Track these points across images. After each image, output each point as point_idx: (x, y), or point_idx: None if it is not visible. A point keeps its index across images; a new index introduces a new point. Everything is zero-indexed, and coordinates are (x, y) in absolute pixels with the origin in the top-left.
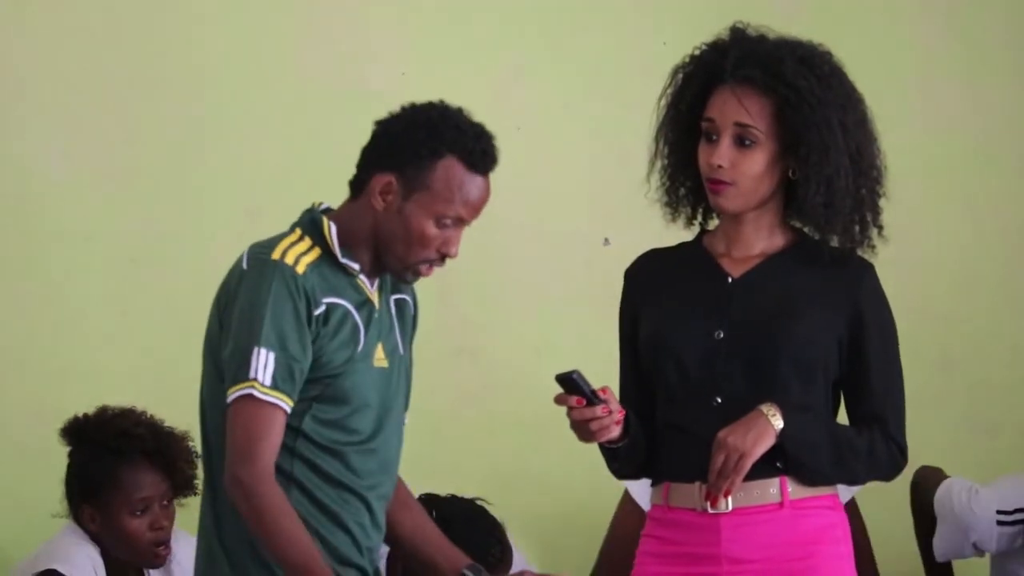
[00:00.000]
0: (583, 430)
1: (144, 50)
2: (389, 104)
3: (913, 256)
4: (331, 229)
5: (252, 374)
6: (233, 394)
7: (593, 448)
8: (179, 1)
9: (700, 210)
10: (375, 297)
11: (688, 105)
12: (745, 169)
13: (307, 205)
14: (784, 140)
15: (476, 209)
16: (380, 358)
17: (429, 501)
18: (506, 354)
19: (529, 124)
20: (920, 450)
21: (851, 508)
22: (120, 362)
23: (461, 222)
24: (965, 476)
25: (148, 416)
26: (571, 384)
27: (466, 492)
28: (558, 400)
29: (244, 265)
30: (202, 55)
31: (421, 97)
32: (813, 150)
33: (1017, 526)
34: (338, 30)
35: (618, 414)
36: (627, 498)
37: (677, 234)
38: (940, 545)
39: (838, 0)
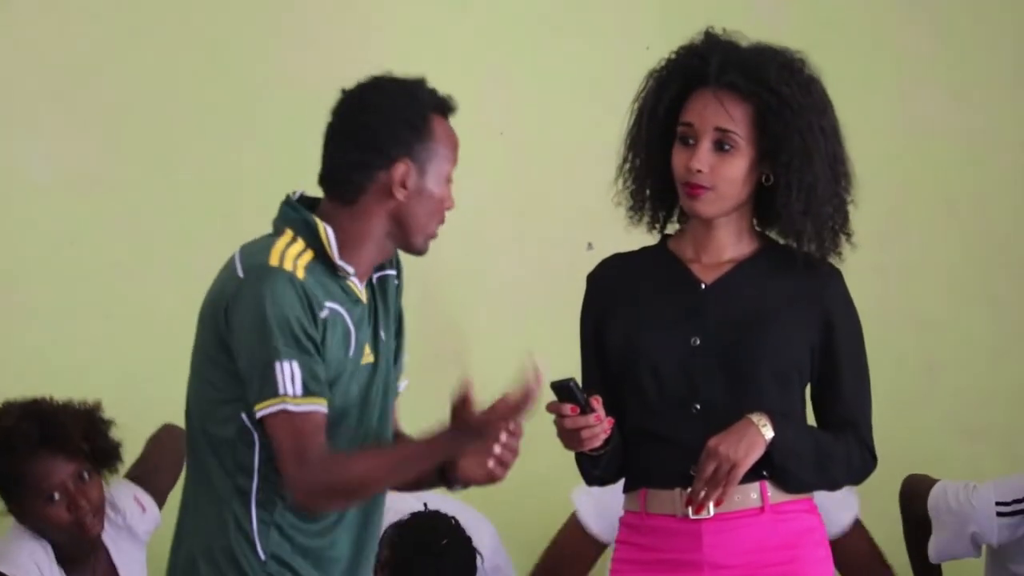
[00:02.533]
0: (573, 438)
1: (127, 54)
2: None
3: (898, 261)
4: (328, 234)
5: (281, 390)
6: (263, 410)
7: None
8: (162, 5)
9: (662, 215)
10: (363, 295)
11: (665, 109)
12: (724, 174)
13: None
14: (762, 146)
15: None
16: (367, 355)
17: (407, 524)
18: (490, 358)
19: (512, 129)
20: (904, 454)
21: (857, 528)
22: (103, 365)
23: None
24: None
25: (43, 402)
26: (567, 392)
27: (449, 496)
28: (551, 408)
29: (239, 273)
30: (185, 59)
31: None
32: (795, 156)
33: (1017, 516)
34: (321, 35)
35: (607, 423)
36: (574, 520)
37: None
38: (936, 546)
39: (822, 5)
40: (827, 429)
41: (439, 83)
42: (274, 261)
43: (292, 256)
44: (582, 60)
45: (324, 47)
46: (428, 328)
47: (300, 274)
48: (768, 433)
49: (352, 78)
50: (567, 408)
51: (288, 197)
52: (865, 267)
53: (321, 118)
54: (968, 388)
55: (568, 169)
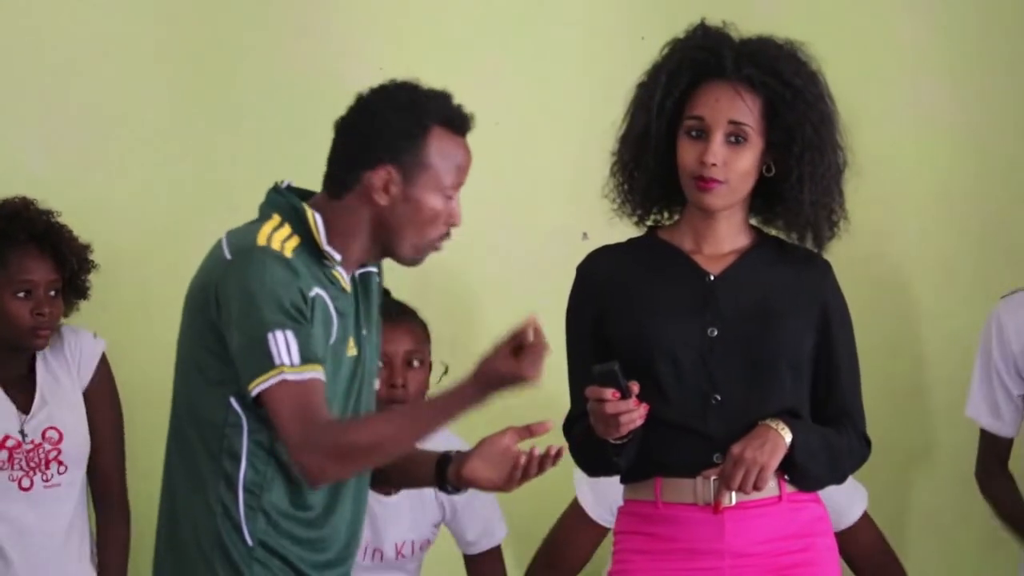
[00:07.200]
0: (611, 423)
1: (123, 45)
2: None
3: (893, 252)
4: (316, 220)
5: (277, 360)
6: (261, 385)
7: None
8: None
9: (653, 207)
10: (348, 287)
11: (674, 102)
12: (736, 167)
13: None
14: (770, 138)
15: (467, 172)
16: (351, 347)
17: None
18: (484, 348)
19: (508, 120)
20: (898, 444)
21: (866, 520)
22: None
23: (458, 189)
24: (943, 471)
25: (46, 210)
26: (611, 377)
27: None
28: (592, 392)
29: (227, 255)
30: (180, 51)
31: None
32: (807, 147)
33: None
34: (315, 26)
35: (643, 408)
36: (575, 505)
37: None
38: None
39: None
40: (826, 421)
41: (434, 74)
42: (262, 241)
43: (280, 239)
44: (578, 50)
45: (318, 39)
46: (423, 317)
47: (288, 254)
48: (787, 435)
49: (346, 70)
50: (609, 393)
51: (276, 185)
52: (860, 257)
53: (317, 112)
54: (961, 380)
55: (563, 159)
